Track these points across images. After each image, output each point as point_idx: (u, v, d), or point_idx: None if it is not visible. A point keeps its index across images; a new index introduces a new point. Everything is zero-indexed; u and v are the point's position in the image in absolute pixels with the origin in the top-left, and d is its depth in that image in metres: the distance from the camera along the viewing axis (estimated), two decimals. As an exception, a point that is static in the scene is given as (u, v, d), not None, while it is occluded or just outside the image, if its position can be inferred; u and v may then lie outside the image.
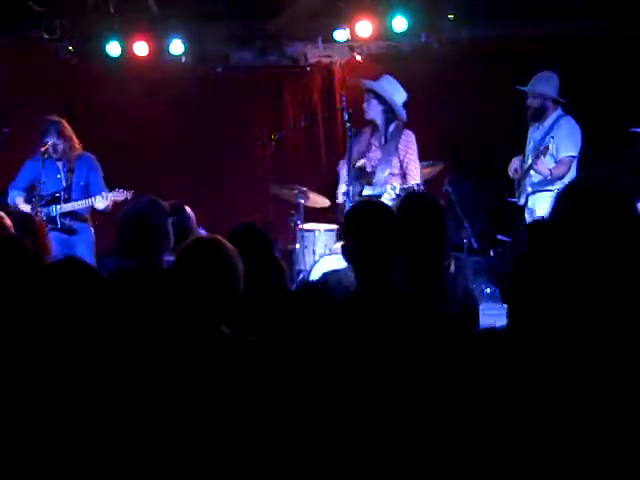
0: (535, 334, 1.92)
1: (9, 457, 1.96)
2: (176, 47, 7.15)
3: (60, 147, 5.60)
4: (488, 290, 6.31)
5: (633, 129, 5.54)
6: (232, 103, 6.82)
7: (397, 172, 5.59)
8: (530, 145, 5.85)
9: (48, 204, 5.64)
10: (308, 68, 7.62)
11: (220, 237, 2.49)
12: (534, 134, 5.84)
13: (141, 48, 7.12)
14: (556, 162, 5.47)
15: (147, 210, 3.37)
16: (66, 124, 5.65)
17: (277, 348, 2.28)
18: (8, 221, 3.59)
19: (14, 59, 7.13)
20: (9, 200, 5.77)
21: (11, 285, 2.44)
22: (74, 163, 5.66)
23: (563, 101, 5.72)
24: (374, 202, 2.86)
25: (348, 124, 6.03)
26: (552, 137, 5.40)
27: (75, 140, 5.69)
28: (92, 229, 5.81)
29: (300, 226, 6.49)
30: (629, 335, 1.96)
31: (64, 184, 5.67)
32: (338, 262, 5.94)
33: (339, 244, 6.50)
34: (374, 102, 5.62)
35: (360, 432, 1.86)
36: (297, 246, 6.53)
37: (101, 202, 5.51)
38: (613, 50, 6.67)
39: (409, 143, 5.56)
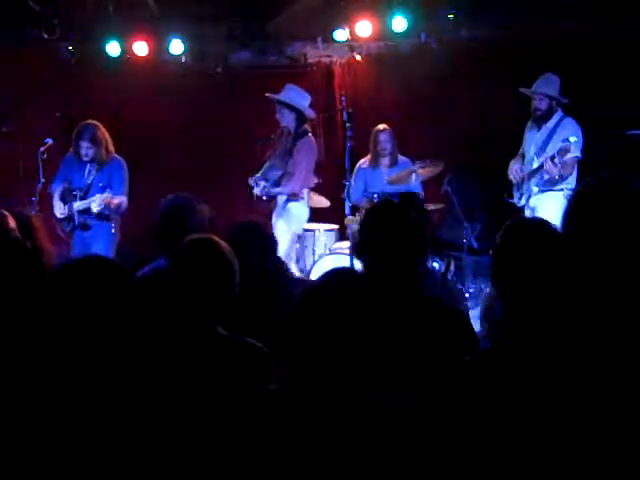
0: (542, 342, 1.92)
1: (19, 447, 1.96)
2: (176, 47, 7.15)
3: (92, 151, 5.64)
4: (488, 290, 6.30)
5: (629, 132, 5.55)
6: (232, 103, 6.84)
7: (290, 172, 5.90)
8: (532, 147, 5.84)
9: (70, 201, 5.73)
10: (308, 68, 7.62)
11: (215, 237, 2.48)
12: (536, 136, 5.82)
13: (141, 48, 7.12)
14: (561, 164, 5.44)
15: (186, 209, 3.38)
16: (102, 129, 5.71)
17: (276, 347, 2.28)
18: (12, 222, 3.58)
19: (14, 59, 7.12)
20: (53, 187, 5.84)
21: (12, 288, 2.42)
22: (103, 165, 5.72)
23: (567, 102, 5.72)
24: (393, 202, 2.84)
25: (348, 124, 6.03)
26: (566, 139, 5.37)
27: (110, 144, 5.76)
28: (113, 227, 5.80)
29: (300, 226, 6.49)
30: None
31: (85, 183, 5.74)
32: (338, 262, 5.97)
33: (339, 244, 6.52)
34: (285, 111, 5.92)
35: (362, 433, 1.86)
36: (297, 246, 6.54)
37: (95, 205, 5.53)
38: (613, 50, 6.67)
39: (300, 150, 5.87)
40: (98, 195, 5.51)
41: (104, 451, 1.97)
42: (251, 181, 6.04)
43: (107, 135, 5.74)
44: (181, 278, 2.36)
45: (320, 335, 1.91)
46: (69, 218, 5.71)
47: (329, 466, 1.84)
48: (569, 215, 2.22)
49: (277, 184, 5.93)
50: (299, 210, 6.05)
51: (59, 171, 5.86)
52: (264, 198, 5.82)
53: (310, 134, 5.98)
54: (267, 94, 6.03)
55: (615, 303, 2.00)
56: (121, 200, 5.66)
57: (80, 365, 2.03)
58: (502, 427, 1.86)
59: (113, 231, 5.80)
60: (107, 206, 5.55)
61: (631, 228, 2.10)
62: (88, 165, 5.72)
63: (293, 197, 5.94)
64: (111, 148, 5.77)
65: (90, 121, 5.73)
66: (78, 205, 5.67)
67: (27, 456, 1.94)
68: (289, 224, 5.97)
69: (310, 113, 6.00)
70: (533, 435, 1.83)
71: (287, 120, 5.94)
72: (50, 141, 5.93)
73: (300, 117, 5.92)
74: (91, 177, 5.72)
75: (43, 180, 5.75)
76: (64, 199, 5.73)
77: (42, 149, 5.83)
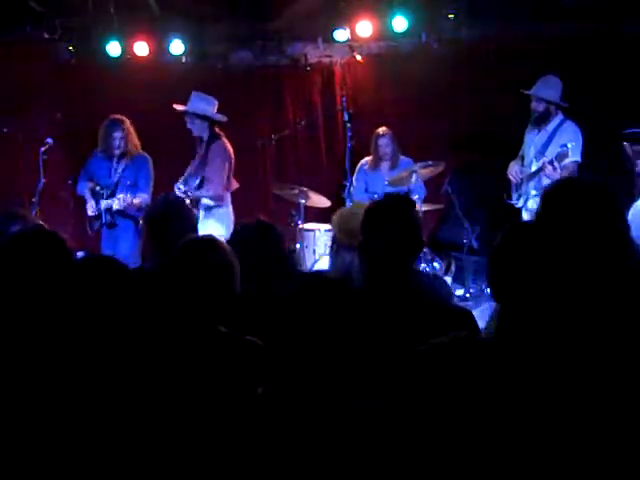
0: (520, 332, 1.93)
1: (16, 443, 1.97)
2: (176, 47, 7.15)
3: (124, 142, 5.71)
4: (488, 290, 6.30)
5: (629, 130, 5.54)
6: (232, 103, 6.83)
7: (208, 177, 5.80)
8: (531, 149, 5.83)
9: (98, 199, 5.78)
10: (308, 68, 7.61)
11: (216, 237, 2.50)
12: (535, 138, 5.81)
13: (141, 48, 7.12)
14: (560, 168, 5.43)
15: (174, 211, 3.39)
16: (129, 123, 5.78)
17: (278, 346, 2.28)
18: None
19: (14, 59, 7.12)
20: (78, 189, 5.94)
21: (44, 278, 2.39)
22: (127, 163, 5.77)
23: (566, 106, 5.70)
24: (393, 200, 2.80)
25: (348, 124, 6.04)
26: (564, 145, 5.35)
27: (136, 139, 5.81)
28: (139, 225, 5.74)
29: (300, 226, 6.50)
30: (609, 330, 1.96)
31: (112, 181, 5.77)
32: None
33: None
34: (197, 121, 5.88)
35: (361, 433, 1.86)
36: (297, 246, 6.54)
37: (116, 204, 5.61)
38: (614, 50, 6.67)
39: (214, 154, 5.81)
40: (121, 195, 5.57)
41: (106, 444, 1.97)
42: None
43: (133, 129, 5.80)
44: (182, 277, 2.37)
45: (303, 343, 1.92)
46: (98, 216, 5.77)
47: (326, 464, 1.85)
48: (539, 212, 2.37)
49: (197, 190, 5.81)
50: (227, 215, 5.93)
51: (83, 171, 5.92)
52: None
53: (223, 138, 5.91)
54: (176, 106, 5.98)
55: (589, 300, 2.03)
56: (142, 199, 5.67)
57: (84, 359, 2.05)
58: (497, 426, 1.86)
59: (139, 228, 5.78)
60: (129, 206, 5.60)
61: (590, 222, 2.21)
62: (114, 162, 5.76)
63: (218, 201, 5.83)
64: (137, 143, 5.82)
65: (117, 115, 5.78)
66: (104, 204, 5.72)
67: (24, 449, 1.95)
68: (221, 229, 5.78)
69: (220, 118, 5.95)
70: (528, 435, 1.83)
71: (200, 129, 5.89)
72: (51, 141, 5.93)
73: (212, 124, 5.89)
74: (117, 175, 5.76)
75: (44, 180, 5.75)
76: (94, 197, 5.79)
77: (43, 149, 5.83)
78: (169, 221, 3.32)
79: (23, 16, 6.90)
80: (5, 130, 7.13)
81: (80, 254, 6.00)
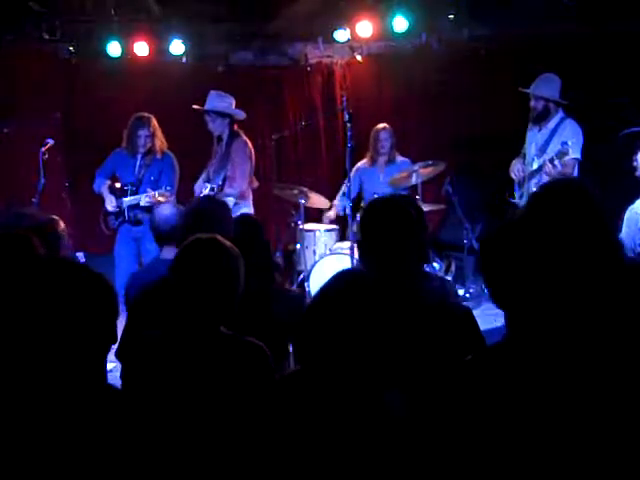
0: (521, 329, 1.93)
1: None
2: (176, 47, 7.15)
3: (149, 141, 5.74)
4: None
5: (622, 133, 5.55)
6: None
7: (231, 175, 5.83)
8: (532, 147, 5.83)
9: (121, 196, 5.78)
10: (308, 68, 7.62)
11: (220, 237, 2.47)
12: (536, 136, 5.82)
13: (142, 48, 7.11)
14: (561, 165, 5.43)
15: (217, 211, 3.38)
16: (155, 121, 5.80)
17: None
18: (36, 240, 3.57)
19: (14, 59, 7.12)
20: (95, 187, 5.93)
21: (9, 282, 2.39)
22: (152, 159, 5.80)
23: (566, 103, 5.71)
24: (391, 200, 2.79)
25: (349, 124, 6.03)
26: (565, 142, 5.36)
27: (162, 138, 5.84)
28: None
29: (300, 226, 6.50)
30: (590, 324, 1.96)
31: (135, 178, 5.79)
32: (338, 262, 5.97)
33: (339, 244, 6.52)
34: (218, 120, 5.90)
35: (361, 433, 1.86)
36: (297, 246, 6.54)
37: (145, 201, 5.58)
38: (614, 50, 6.67)
39: (237, 151, 5.84)
40: (149, 190, 5.56)
41: (110, 447, 1.97)
42: (197, 188, 5.94)
43: (158, 128, 5.83)
44: (185, 278, 2.36)
45: (330, 336, 1.92)
46: (118, 213, 5.76)
47: (329, 464, 1.85)
48: (528, 206, 2.43)
49: (221, 189, 5.81)
50: (249, 212, 5.88)
51: (104, 167, 5.93)
52: None
53: (243, 136, 5.93)
54: (195, 107, 6.00)
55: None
56: (167, 199, 5.64)
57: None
58: (502, 427, 1.86)
59: None
60: (154, 202, 5.53)
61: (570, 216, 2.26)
62: (138, 159, 5.78)
63: (241, 199, 5.82)
64: (163, 140, 5.84)
65: (144, 113, 5.79)
66: (128, 200, 5.72)
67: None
68: None
69: (240, 114, 5.98)
70: (535, 435, 1.83)
71: (221, 128, 5.90)
72: (51, 141, 5.94)
73: (231, 122, 5.91)
74: (142, 171, 5.78)
75: (44, 180, 5.75)
76: (114, 194, 5.78)
77: (43, 149, 5.84)
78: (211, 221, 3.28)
79: (23, 16, 6.89)
80: (5, 130, 7.13)
81: (79, 255, 6.02)
